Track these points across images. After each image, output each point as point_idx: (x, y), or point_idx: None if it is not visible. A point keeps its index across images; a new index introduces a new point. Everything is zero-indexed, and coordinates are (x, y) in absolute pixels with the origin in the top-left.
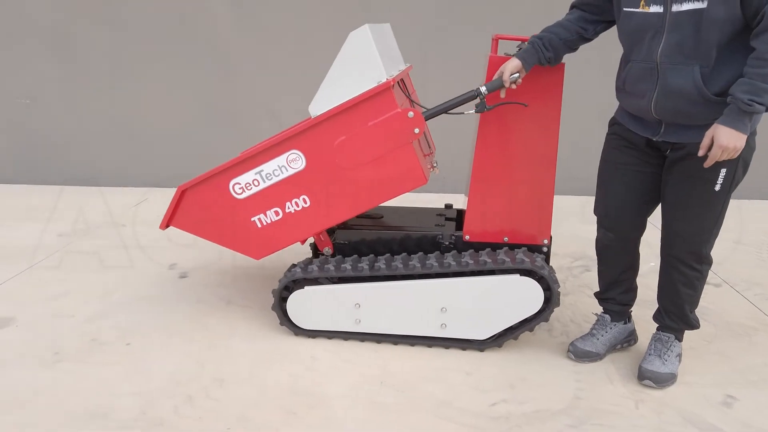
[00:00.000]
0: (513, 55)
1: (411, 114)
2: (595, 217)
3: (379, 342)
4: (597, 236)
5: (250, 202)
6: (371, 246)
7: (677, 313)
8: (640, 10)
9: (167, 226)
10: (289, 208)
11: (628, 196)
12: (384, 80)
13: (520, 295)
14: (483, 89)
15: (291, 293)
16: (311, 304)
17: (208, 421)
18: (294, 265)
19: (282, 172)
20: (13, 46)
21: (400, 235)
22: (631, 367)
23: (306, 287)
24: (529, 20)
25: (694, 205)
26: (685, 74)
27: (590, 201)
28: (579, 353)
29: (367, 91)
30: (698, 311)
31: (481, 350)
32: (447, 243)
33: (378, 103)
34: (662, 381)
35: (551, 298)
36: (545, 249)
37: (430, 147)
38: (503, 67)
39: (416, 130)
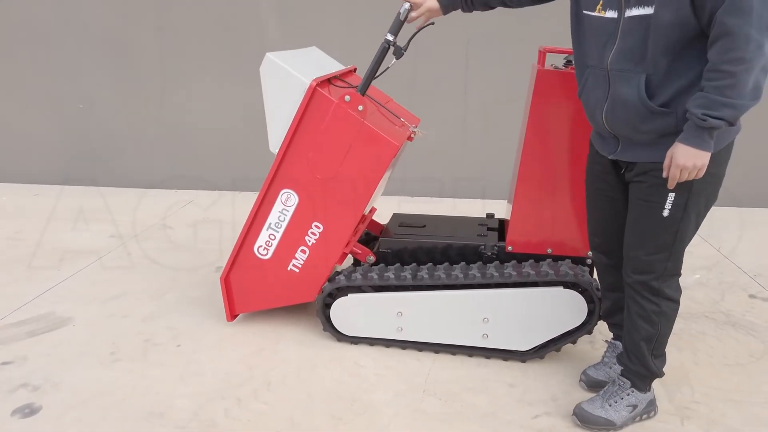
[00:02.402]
0: None
1: (348, 98)
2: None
3: (420, 350)
4: (593, 258)
5: (278, 255)
6: (413, 255)
7: (635, 352)
8: (596, 14)
9: (234, 317)
10: (309, 241)
11: (609, 221)
12: (308, 85)
13: (563, 308)
14: (390, 37)
15: (335, 300)
16: (354, 312)
17: (258, 424)
18: (338, 273)
19: (286, 215)
20: (70, 52)
21: (443, 245)
22: (675, 382)
23: (349, 295)
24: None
25: (642, 231)
26: (631, 83)
27: None
28: (591, 382)
29: (301, 102)
30: (746, 326)
31: (523, 361)
32: (489, 254)
33: (315, 106)
34: (589, 422)
35: (594, 310)
36: (589, 261)
37: (398, 117)
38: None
39: (360, 108)
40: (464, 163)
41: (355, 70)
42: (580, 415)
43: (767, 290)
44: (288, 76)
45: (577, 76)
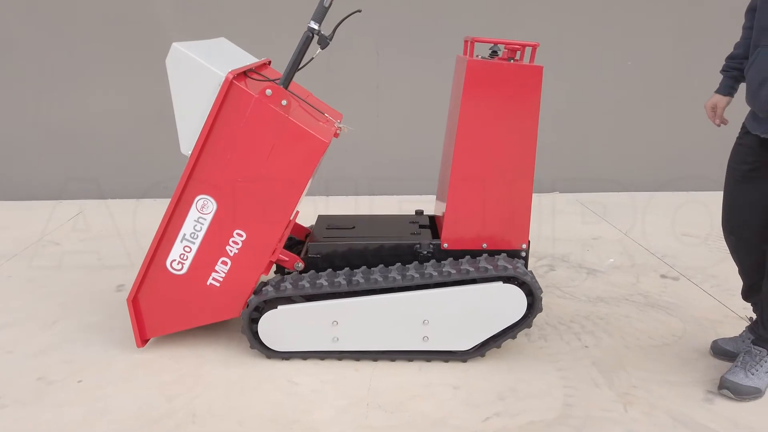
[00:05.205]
0: (716, 92)
1: (269, 91)
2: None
3: (358, 359)
4: (727, 241)
5: (195, 269)
6: (345, 258)
7: None
8: None
9: (145, 342)
10: (231, 251)
11: (744, 199)
12: (223, 78)
13: (503, 303)
14: (314, 25)
15: (262, 314)
16: (285, 325)
17: None
18: (265, 284)
19: (202, 224)
20: None
21: (375, 245)
22: (612, 368)
23: (279, 306)
24: (500, 20)
25: None
26: None
27: (551, 198)
28: (719, 350)
29: (216, 97)
30: (664, 306)
31: (464, 361)
32: (425, 252)
33: (232, 101)
34: (742, 393)
35: (534, 303)
36: (524, 254)
37: (322, 112)
38: (714, 104)
39: (284, 102)
40: (380, 160)
41: (269, 63)
42: (733, 388)
43: (675, 270)
44: (200, 69)
45: (750, 54)
